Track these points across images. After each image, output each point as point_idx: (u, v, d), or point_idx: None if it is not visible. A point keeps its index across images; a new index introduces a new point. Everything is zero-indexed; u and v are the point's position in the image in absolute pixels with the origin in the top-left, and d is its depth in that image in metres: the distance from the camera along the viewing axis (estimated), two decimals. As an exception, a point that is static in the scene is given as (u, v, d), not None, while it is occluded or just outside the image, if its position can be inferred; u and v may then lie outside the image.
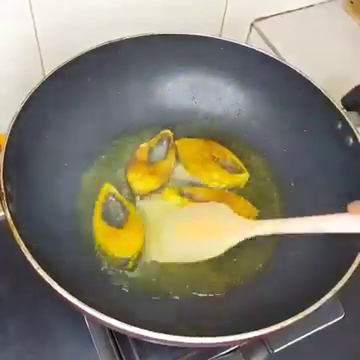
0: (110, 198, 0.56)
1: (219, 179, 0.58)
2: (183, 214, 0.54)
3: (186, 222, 0.53)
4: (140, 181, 0.57)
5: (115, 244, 0.52)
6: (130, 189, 0.57)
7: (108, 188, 0.56)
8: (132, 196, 0.57)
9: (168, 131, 0.61)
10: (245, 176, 0.59)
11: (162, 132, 0.61)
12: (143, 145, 0.60)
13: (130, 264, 0.52)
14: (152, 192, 0.57)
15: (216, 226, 0.52)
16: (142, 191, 0.57)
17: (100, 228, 0.54)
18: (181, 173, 0.59)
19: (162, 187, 0.58)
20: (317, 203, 0.55)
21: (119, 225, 0.54)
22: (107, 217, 0.55)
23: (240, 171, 0.59)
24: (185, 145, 0.61)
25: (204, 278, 0.52)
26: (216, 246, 0.51)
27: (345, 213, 0.47)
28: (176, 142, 0.61)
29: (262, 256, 0.54)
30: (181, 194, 0.56)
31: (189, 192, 0.57)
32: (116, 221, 0.54)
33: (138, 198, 0.57)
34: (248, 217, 0.54)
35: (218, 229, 0.52)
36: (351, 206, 0.46)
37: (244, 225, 0.52)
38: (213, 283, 0.52)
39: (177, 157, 0.60)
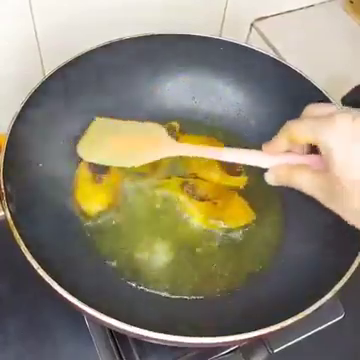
0: None
1: (217, 179, 0.58)
2: (122, 129, 0.58)
3: (120, 135, 0.57)
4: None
5: (84, 193, 0.55)
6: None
7: None
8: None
9: (175, 123, 0.61)
10: (243, 180, 0.59)
11: (171, 123, 0.61)
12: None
13: (88, 216, 0.54)
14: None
15: (143, 142, 0.56)
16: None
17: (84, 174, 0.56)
18: (180, 168, 0.59)
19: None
20: (317, 202, 0.55)
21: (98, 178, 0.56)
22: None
23: (239, 173, 0.59)
24: (189, 141, 0.61)
25: (204, 278, 0.52)
26: (137, 158, 0.54)
27: (259, 150, 0.49)
28: (180, 138, 0.61)
29: (262, 256, 0.54)
30: (183, 187, 0.57)
31: (192, 185, 0.57)
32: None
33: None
34: (245, 220, 0.55)
35: (146, 144, 0.56)
36: (265, 145, 0.49)
37: (168, 145, 0.55)
38: (213, 283, 0.52)
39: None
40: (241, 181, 0.59)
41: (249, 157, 0.50)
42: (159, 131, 0.57)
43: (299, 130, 0.44)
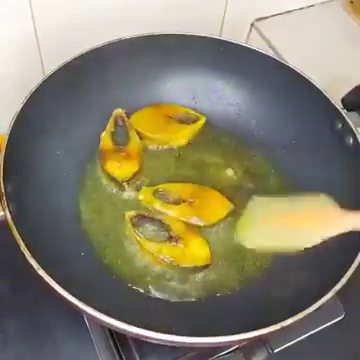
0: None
1: (183, 134, 0.61)
2: (281, 205, 0.53)
3: (281, 212, 0.52)
4: (119, 169, 0.57)
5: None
6: (113, 180, 0.57)
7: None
8: (117, 185, 0.57)
9: (119, 110, 0.61)
10: (203, 120, 0.62)
11: (114, 112, 0.61)
12: (103, 134, 0.60)
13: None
14: (135, 174, 0.58)
15: (312, 217, 0.51)
16: (125, 177, 0.57)
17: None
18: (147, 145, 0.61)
19: (141, 167, 0.59)
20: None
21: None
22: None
23: (197, 119, 0.62)
24: (138, 119, 0.62)
25: (204, 279, 0.52)
26: (310, 237, 0.49)
27: None
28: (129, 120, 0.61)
29: (263, 257, 0.54)
30: (155, 195, 0.56)
31: (163, 191, 0.56)
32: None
33: (126, 185, 0.57)
34: (222, 211, 0.55)
35: (314, 220, 0.50)
36: None
37: (339, 219, 0.49)
38: (213, 284, 0.52)
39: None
40: (202, 122, 0.62)
41: None
42: (327, 202, 0.50)
43: None
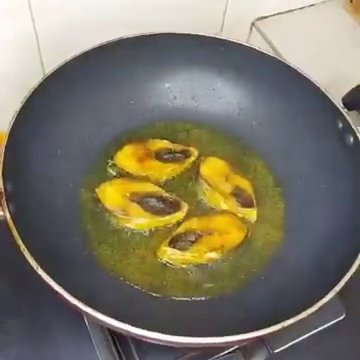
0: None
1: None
2: None
3: None
4: (128, 160, 0.57)
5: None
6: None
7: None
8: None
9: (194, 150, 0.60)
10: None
11: (191, 149, 0.60)
12: (165, 141, 0.60)
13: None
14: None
15: None
16: (124, 167, 0.57)
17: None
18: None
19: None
20: (317, 202, 0.55)
21: None
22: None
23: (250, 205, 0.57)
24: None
25: (205, 279, 0.52)
26: None
27: None
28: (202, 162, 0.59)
29: (263, 257, 0.54)
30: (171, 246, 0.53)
31: (178, 238, 0.53)
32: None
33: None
34: (243, 232, 0.55)
35: None
36: None
37: None
38: (214, 284, 0.52)
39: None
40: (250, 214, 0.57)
41: None
42: None
43: None
